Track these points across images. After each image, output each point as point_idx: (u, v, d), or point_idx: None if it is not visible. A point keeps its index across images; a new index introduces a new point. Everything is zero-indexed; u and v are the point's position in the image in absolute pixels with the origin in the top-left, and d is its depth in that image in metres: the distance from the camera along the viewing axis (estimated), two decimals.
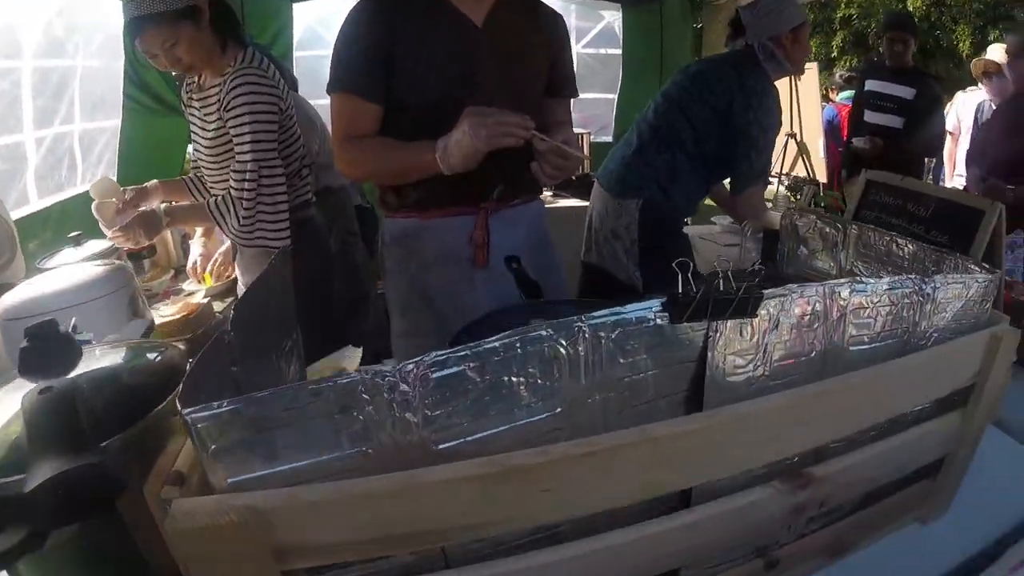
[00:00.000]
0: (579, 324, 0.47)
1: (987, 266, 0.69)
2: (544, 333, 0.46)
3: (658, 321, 0.49)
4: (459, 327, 1.10)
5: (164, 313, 1.68)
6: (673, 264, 0.55)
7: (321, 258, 1.78)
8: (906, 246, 0.86)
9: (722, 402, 0.53)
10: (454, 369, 0.43)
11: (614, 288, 1.83)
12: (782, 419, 0.53)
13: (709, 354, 0.51)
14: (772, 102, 1.73)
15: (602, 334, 0.48)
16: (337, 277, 1.88)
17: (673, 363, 0.52)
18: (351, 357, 1.20)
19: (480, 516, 0.43)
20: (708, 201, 2.02)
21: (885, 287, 0.60)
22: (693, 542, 0.56)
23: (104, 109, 2.76)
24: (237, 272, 1.76)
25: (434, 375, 0.42)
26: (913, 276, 0.62)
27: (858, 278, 0.59)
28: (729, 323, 0.51)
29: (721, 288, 0.50)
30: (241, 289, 1.76)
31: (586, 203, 2.06)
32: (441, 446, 0.44)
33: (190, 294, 1.93)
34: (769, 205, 2.52)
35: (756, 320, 0.53)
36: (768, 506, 0.58)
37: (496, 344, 0.44)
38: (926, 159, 2.68)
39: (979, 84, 3.19)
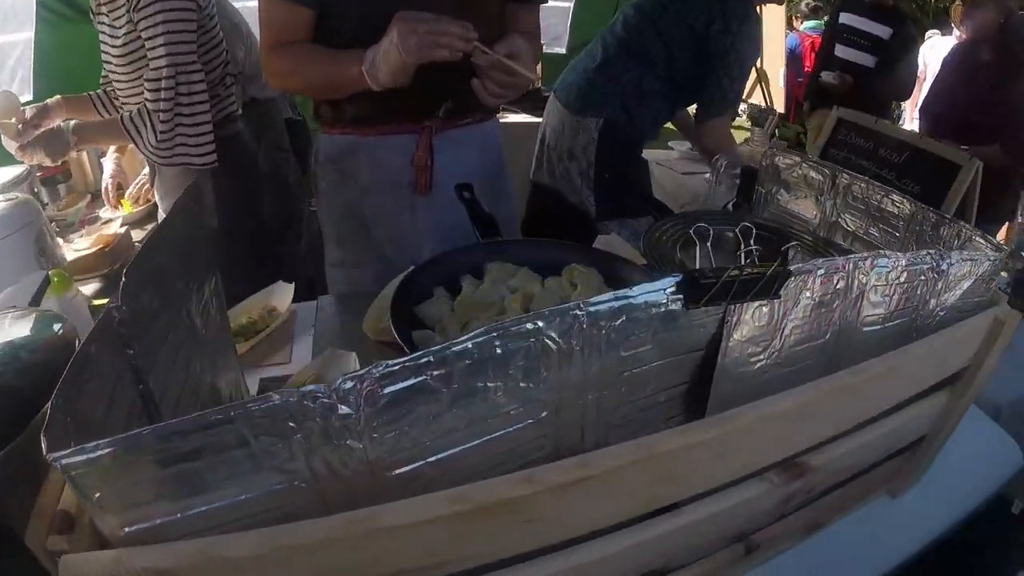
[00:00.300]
0: (576, 312, 0.37)
1: (995, 242, 0.64)
2: (530, 326, 0.36)
3: (671, 306, 0.40)
4: (399, 259, 0.98)
5: (78, 247, 1.49)
6: (691, 232, 0.45)
7: (249, 178, 1.60)
8: (903, 204, 0.80)
9: (730, 393, 0.46)
10: (412, 381, 0.32)
11: (564, 210, 1.71)
12: (796, 416, 0.46)
13: (723, 342, 0.43)
14: (752, 28, 1.60)
15: (603, 323, 0.38)
16: (267, 197, 1.70)
17: (680, 353, 0.43)
18: (281, 294, 1.06)
19: (447, 555, 0.35)
20: (667, 124, 1.89)
21: (905, 262, 0.53)
22: (683, 544, 0.50)
23: (16, 20, 2.36)
24: (156, 197, 1.55)
25: (385, 390, 0.32)
26: (932, 251, 0.55)
27: (881, 251, 0.51)
28: (750, 306, 0.43)
29: (743, 263, 0.41)
30: (162, 216, 1.57)
31: (537, 120, 1.89)
32: (396, 471, 0.34)
33: (107, 222, 1.72)
34: (745, 137, 2.41)
35: (777, 301, 0.44)
36: (762, 500, 0.53)
37: (467, 345, 0.34)
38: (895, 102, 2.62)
39: (955, 30, 3.11)
